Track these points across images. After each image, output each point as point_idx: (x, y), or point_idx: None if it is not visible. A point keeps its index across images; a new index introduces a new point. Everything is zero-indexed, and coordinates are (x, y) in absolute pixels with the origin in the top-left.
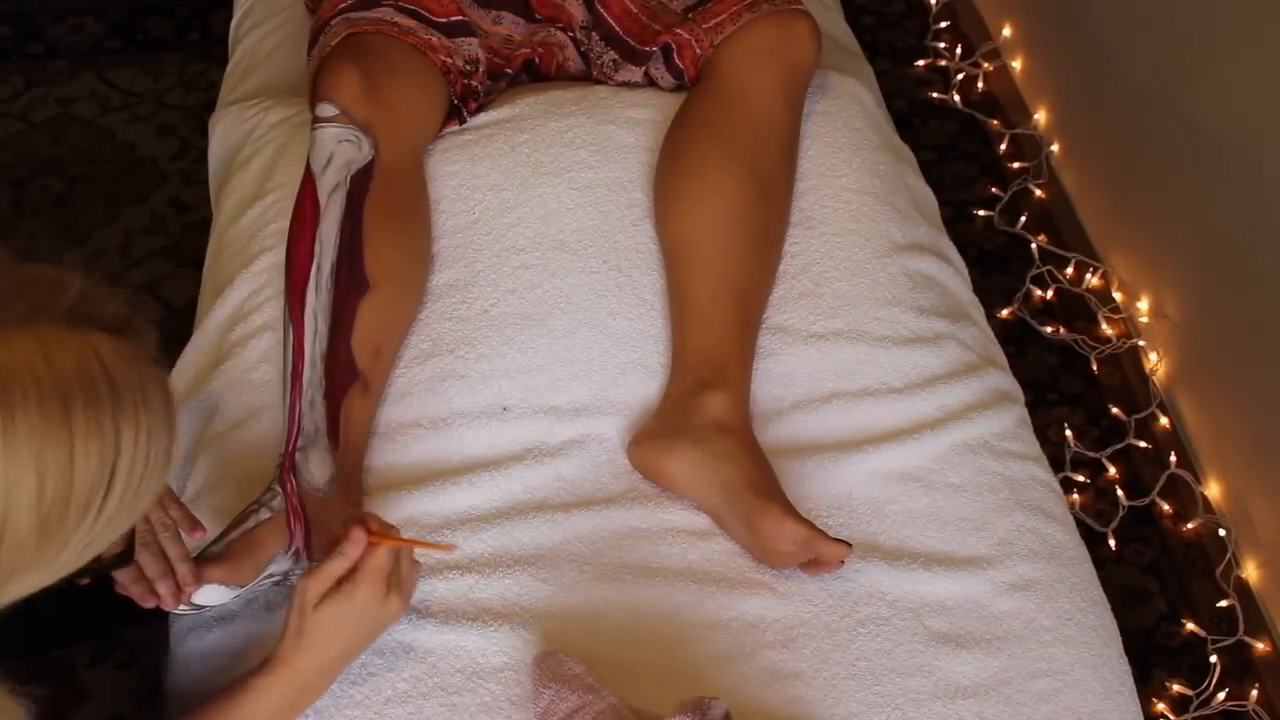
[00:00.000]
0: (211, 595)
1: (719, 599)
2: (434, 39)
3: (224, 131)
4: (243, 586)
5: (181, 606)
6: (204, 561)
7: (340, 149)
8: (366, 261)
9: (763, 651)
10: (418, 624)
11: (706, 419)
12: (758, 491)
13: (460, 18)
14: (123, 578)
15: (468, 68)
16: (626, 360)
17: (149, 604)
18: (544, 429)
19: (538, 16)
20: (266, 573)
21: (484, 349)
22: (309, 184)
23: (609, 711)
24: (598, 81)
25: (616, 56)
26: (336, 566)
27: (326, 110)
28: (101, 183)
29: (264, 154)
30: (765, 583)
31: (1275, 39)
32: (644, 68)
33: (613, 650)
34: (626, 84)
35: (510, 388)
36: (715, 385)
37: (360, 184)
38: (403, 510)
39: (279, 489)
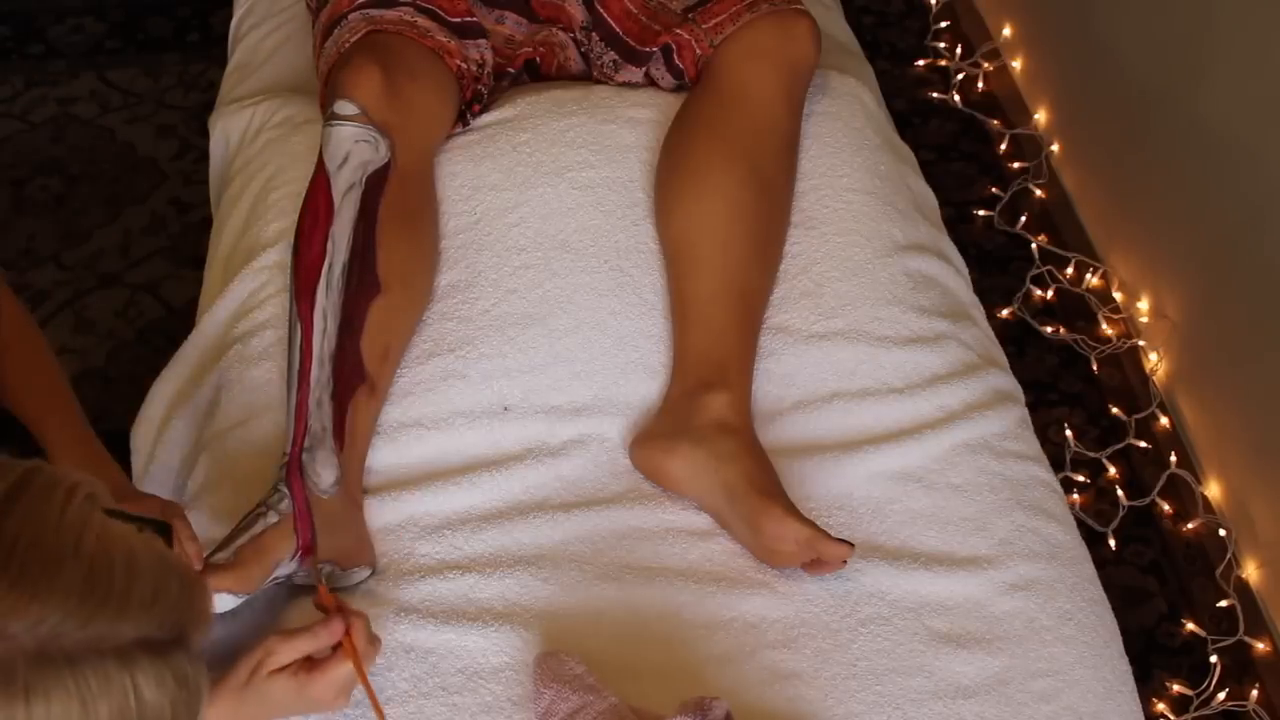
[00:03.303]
0: (221, 604)
1: (720, 599)
2: (450, 43)
3: (224, 130)
4: (249, 595)
5: None
6: (212, 570)
7: (357, 149)
8: (379, 264)
9: (763, 651)
10: (418, 624)
11: (708, 419)
12: (760, 492)
13: (472, 18)
14: None
15: (477, 71)
16: (628, 360)
17: None
18: (545, 429)
19: (539, 17)
20: (273, 577)
21: (485, 349)
22: (322, 181)
23: (610, 711)
24: (598, 82)
25: (617, 57)
26: (306, 645)
27: (345, 108)
28: (101, 183)
29: (266, 153)
30: (766, 582)
31: (1275, 39)
32: (644, 68)
33: (613, 650)
34: (627, 84)
35: (511, 387)
36: (716, 385)
37: (375, 186)
38: (403, 510)
39: (285, 490)
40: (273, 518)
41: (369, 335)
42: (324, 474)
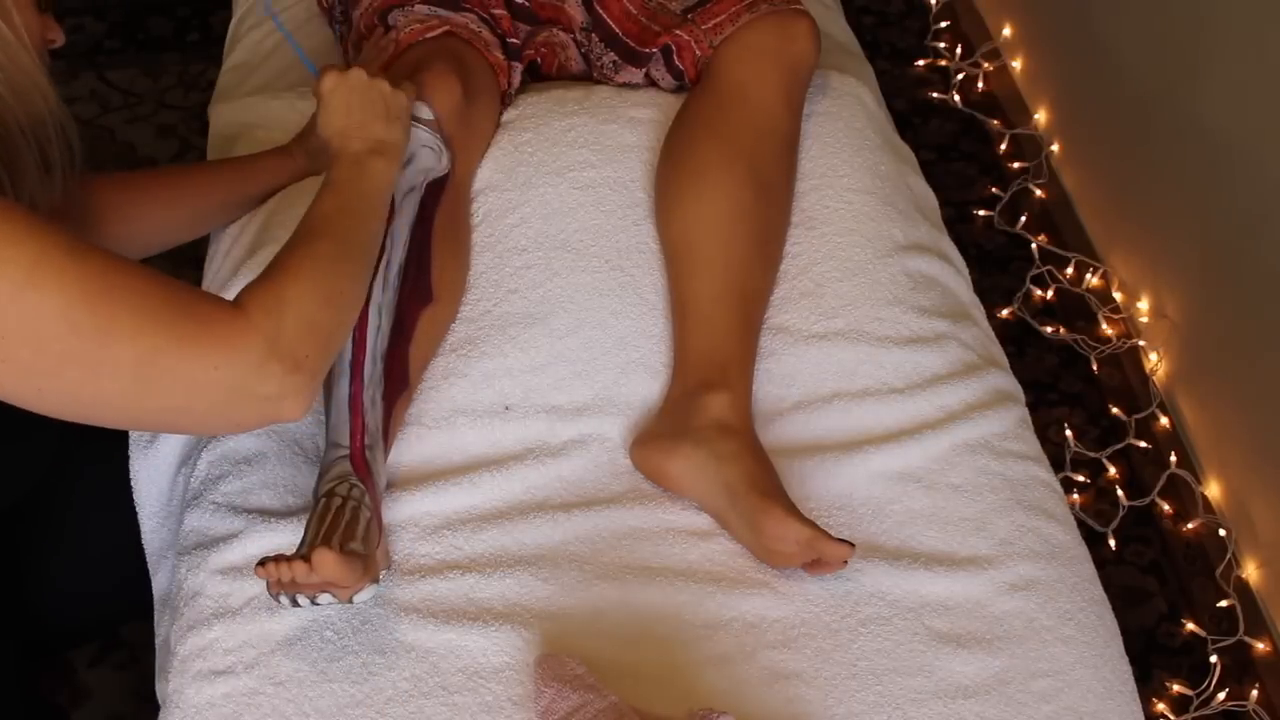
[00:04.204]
0: (367, 594)
1: (720, 599)
2: (504, 61)
3: (225, 128)
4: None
5: (328, 599)
6: (368, 560)
7: (422, 154)
8: (434, 274)
9: (763, 651)
10: (419, 624)
11: (708, 420)
12: (760, 492)
13: (515, 39)
14: (285, 574)
15: (509, 91)
16: (628, 360)
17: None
18: (546, 428)
19: (539, 18)
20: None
21: (486, 348)
22: None
23: (609, 710)
24: (599, 82)
25: (616, 58)
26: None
27: (423, 112)
28: None
29: (265, 148)
30: (766, 582)
31: (1275, 38)
32: (644, 69)
33: (613, 650)
34: (627, 85)
35: (512, 387)
36: (717, 386)
37: (434, 195)
38: (404, 510)
39: (361, 485)
40: (366, 513)
41: (416, 343)
42: (384, 476)
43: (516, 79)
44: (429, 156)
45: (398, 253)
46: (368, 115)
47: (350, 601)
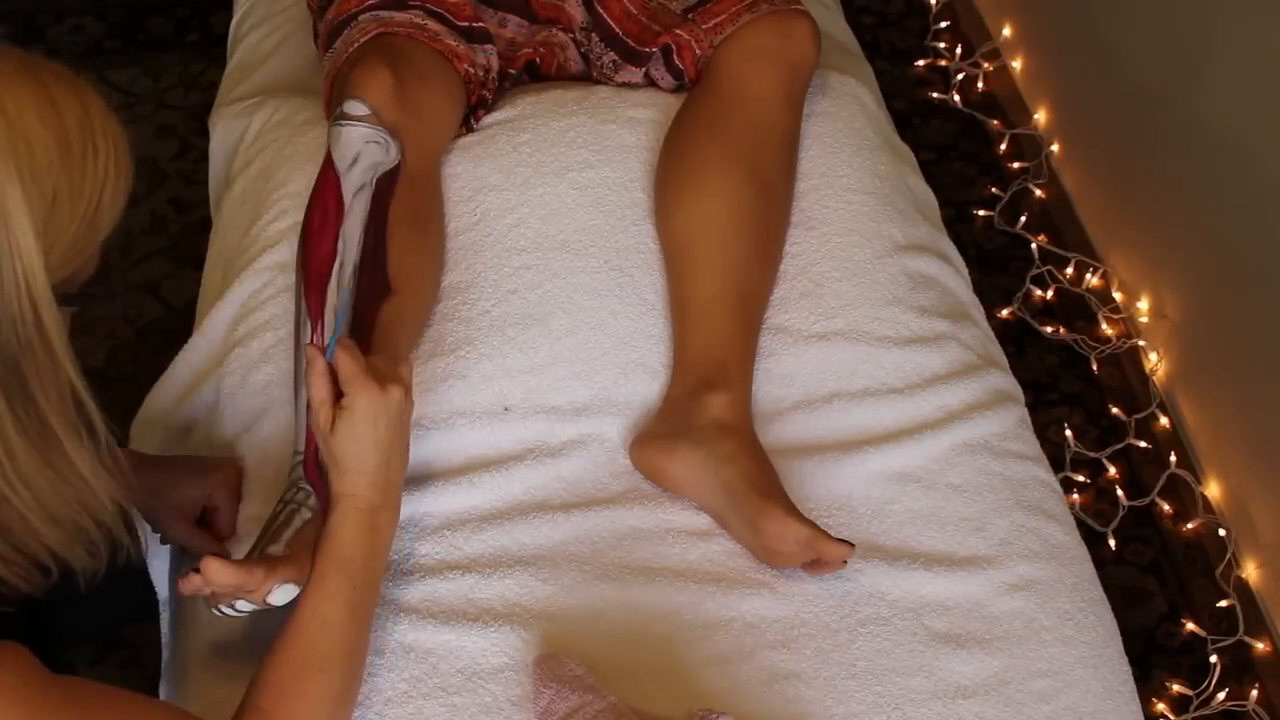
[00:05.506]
0: (285, 595)
1: (719, 599)
2: (459, 47)
3: (224, 130)
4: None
5: (247, 606)
6: (274, 563)
7: (367, 149)
8: (390, 267)
9: (763, 652)
10: (418, 624)
11: (708, 419)
12: (760, 492)
13: (479, 23)
14: (187, 587)
15: (483, 76)
16: (628, 360)
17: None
18: (545, 429)
19: (539, 18)
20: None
21: (485, 349)
22: (332, 180)
23: (609, 710)
24: (598, 82)
25: (616, 57)
26: (317, 393)
27: (356, 109)
28: None
29: (266, 153)
30: (765, 583)
31: (1275, 39)
32: (644, 69)
33: (613, 650)
34: (627, 85)
35: (511, 388)
36: (717, 385)
37: (386, 188)
38: (403, 510)
39: (308, 487)
40: (306, 513)
41: (382, 337)
42: None
43: (492, 61)
44: (376, 151)
45: (351, 254)
46: (394, 453)
47: (265, 604)
